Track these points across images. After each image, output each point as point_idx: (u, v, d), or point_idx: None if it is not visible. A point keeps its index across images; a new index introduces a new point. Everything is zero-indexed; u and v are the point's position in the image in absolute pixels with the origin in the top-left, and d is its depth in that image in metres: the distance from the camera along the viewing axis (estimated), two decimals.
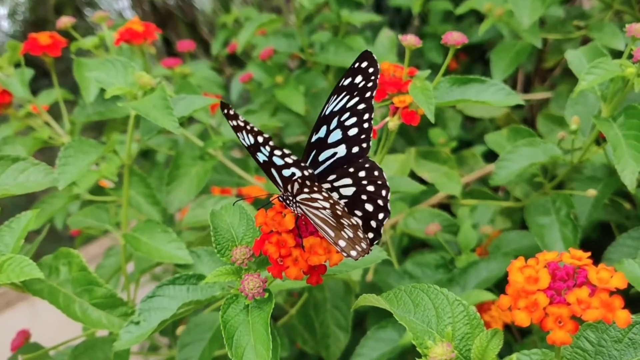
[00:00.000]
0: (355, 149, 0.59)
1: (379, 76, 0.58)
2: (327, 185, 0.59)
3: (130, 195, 0.93)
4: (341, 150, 0.59)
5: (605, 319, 0.40)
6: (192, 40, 1.65)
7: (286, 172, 0.55)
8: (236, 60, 2.12)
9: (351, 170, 0.58)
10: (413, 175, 1.13)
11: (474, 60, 1.74)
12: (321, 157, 0.60)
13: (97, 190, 1.10)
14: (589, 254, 0.45)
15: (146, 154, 1.47)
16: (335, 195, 0.58)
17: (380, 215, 0.56)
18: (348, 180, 0.58)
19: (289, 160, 0.53)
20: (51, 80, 1.05)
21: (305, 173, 0.54)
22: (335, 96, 0.59)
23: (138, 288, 0.94)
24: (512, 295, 0.44)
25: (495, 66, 1.18)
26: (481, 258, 0.96)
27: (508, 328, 0.95)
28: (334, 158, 0.59)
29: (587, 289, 0.41)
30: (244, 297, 0.57)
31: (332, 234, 0.54)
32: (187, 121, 1.25)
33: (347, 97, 0.59)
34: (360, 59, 0.58)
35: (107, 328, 0.71)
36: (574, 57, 0.87)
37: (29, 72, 1.07)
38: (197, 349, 0.77)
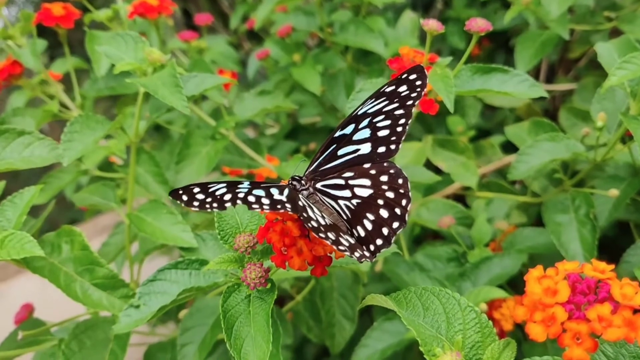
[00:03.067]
0: (382, 149, 0.57)
1: (425, 89, 0.57)
2: (340, 182, 0.57)
3: (139, 173, 0.91)
4: (365, 148, 0.58)
5: (627, 338, 0.37)
6: (212, 13, 1.61)
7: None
8: (256, 35, 2.08)
9: (372, 172, 0.56)
10: (429, 164, 1.11)
11: (497, 46, 1.69)
12: (340, 152, 0.59)
13: (107, 165, 1.08)
14: (612, 266, 0.42)
15: (159, 127, 1.45)
16: (347, 193, 0.57)
17: (395, 224, 0.54)
18: (366, 182, 0.56)
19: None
20: (70, 49, 1.03)
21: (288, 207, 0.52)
22: (373, 100, 0.58)
23: (142, 268, 0.92)
24: (528, 307, 0.41)
25: (520, 56, 1.14)
26: (494, 254, 0.93)
27: (518, 326, 0.92)
28: (355, 154, 0.58)
29: (609, 305, 0.39)
30: (245, 286, 0.55)
31: (333, 238, 0.51)
32: (201, 98, 1.23)
33: (386, 102, 0.58)
34: (409, 71, 0.57)
35: (107, 309, 0.69)
36: (604, 50, 0.83)
37: (41, 43, 1.06)
38: (199, 334, 0.76)
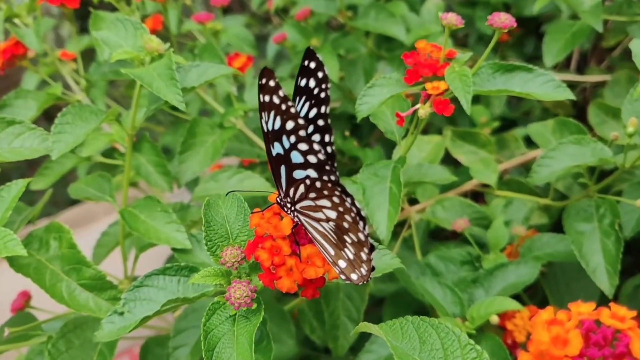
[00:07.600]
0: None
1: (329, 85, 0.50)
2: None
3: (140, 162, 0.88)
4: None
5: None
6: None
7: (298, 174, 0.48)
8: (285, 11, 2.01)
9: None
10: (447, 157, 1.06)
11: (528, 32, 1.61)
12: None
13: (112, 151, 1.05)
14: (633, 313, 0.37)
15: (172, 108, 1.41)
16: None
17: (365, 250, 0.48)
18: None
19: (313, 159, 0.45)
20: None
21: (332, 177, 0.46)
22: (298, 98, 0.51)
23: (136, 264, 0.89)
24: (534, 355, 0.37)
25: (548, 48, 1.07)
26: (510, 261, 0.88)
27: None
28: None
29: None
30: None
31: (332, 252, 0.47)
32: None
33: (307, 103, 0.50)
34: (306, 56, 0.49)
35: (93, 312, 0.66)
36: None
37: (47, 22, 1.02)
38: (192, 337, 0.73)
